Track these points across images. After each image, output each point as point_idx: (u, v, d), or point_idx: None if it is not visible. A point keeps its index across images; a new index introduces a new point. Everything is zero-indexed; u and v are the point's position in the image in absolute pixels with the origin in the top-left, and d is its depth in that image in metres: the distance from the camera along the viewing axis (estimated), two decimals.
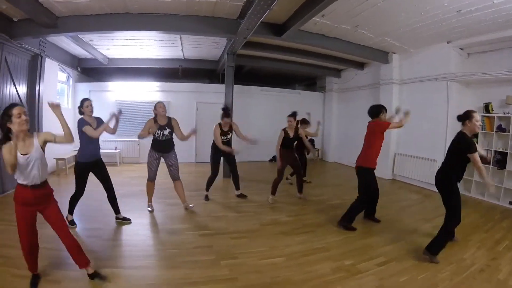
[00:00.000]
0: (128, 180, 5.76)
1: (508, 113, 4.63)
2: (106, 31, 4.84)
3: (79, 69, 7.32)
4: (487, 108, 4.91)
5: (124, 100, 7.49)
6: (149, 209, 3.90)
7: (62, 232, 2.10)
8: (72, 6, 4.13)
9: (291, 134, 4.42)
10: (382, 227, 3.54)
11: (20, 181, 1.93)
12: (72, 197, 3.26)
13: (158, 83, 7.77)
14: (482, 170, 2.52)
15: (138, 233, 3.22)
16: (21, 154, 1.87)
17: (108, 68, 7.55)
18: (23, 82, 5.09)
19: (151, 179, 3.80)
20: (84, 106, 3.14)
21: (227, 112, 4.42)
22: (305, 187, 4.99)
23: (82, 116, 3.16)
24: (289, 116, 4.40)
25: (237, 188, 4.72)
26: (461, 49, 5.33)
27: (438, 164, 5.20)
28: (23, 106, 1.96)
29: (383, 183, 6.10)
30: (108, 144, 7.17)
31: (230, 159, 4.59)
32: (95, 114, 3.29)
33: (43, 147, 2.02)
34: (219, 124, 4.42)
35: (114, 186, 3.46)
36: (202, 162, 7.77)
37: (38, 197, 1.99)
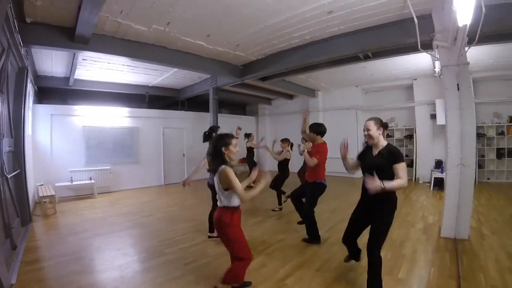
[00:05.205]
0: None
1: (392, 126, 8.54)
2: (132, 58, 4.85)
3: (36, 88, 5.97)
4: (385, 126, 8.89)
5: (92, 125, 6.70)
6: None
7: None
8: (123, 28, 4.09)
9: None
10: None
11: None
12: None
13: (128, 109, 7.48)
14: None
15: None
16: None
17: (67, 89, 6.62)
18: (11, 100, 4.10)
19: None
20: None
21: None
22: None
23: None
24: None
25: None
26: (363, 89, 9.18)
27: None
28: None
29: None
30: (80, 175, 6.26)
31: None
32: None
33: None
34: None
35: None
36: (170, 183, 8.10)
37: None
